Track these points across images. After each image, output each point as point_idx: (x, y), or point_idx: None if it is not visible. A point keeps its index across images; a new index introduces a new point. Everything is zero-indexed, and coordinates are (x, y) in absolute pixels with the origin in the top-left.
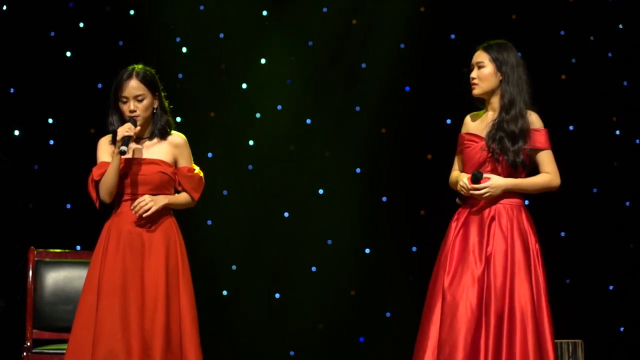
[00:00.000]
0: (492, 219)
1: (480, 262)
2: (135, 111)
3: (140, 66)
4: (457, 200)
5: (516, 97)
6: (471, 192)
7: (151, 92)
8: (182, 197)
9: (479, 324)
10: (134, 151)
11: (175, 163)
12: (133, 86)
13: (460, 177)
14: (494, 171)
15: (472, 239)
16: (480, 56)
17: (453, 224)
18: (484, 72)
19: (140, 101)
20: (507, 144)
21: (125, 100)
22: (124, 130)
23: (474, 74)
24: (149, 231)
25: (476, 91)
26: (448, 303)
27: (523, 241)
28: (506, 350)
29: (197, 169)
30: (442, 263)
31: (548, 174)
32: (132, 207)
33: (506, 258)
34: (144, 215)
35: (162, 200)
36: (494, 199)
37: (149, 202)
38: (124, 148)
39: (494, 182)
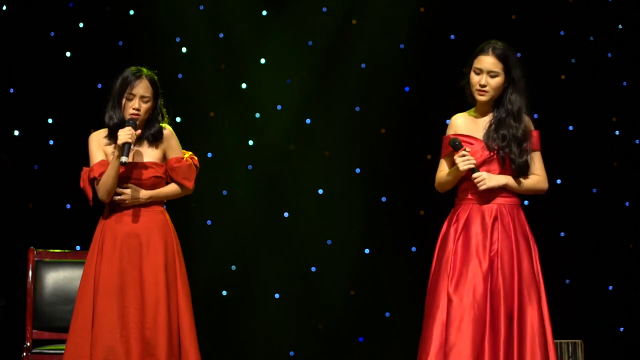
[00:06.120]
0: (495, 218)
1: (485, 261)
2: (139, 110)
3: (146, 70)
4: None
5: (522, 104)
6: (473, 176)
7: (154, 96)
8: (168, 189)
9: (486, 323)
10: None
11: (165, 157)
12: (143, 86)
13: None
14: (493, 172)
15: (474, 240)
16: (493, 64)
17: (452, 228)
18: (496, 81)
19: (145, 102)
20: (516, 149)
21: (131, 97)
22: (126, 136)
23: (484, 82)
24: (146, 231)
25: (485, 98)
26: (455, 306)
27: (526, 241)
28: (517, 350)
29: (186, 155)
30: (444, 267)
31: (538, 176)
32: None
33: (512, 257)
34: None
35: (140, 194)
36: (491, 196)
37: (122, 196)
38: (124, 159)
39: (490, 174)
